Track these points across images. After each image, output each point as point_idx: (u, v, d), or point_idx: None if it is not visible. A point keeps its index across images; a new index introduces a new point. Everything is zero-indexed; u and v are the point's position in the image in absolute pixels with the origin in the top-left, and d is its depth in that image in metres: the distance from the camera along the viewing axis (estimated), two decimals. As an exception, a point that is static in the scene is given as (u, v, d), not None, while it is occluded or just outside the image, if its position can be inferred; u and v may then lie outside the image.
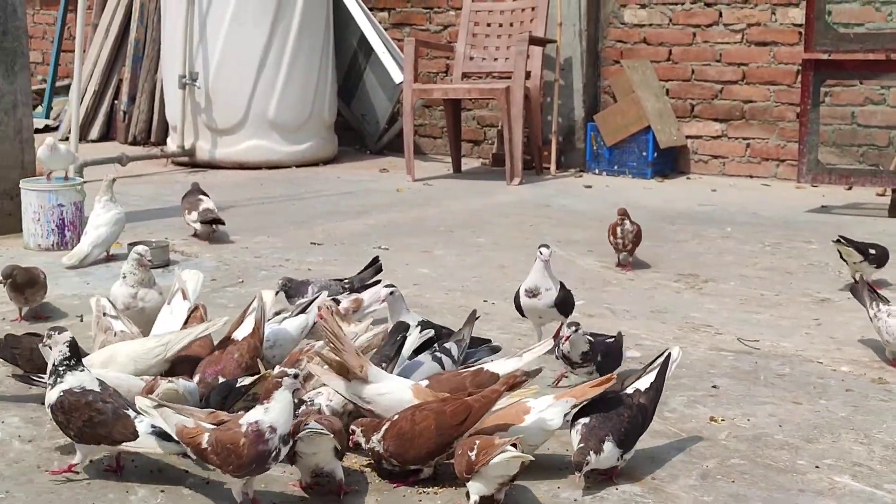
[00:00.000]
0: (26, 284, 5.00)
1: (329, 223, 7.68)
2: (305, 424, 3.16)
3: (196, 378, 3.76)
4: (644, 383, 3.57)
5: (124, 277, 4.66)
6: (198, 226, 6.92)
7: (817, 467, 3.58)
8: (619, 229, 6.23)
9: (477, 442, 3.22)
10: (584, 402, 3.48)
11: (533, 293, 4.47)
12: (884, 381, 4.41)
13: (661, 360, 3.66)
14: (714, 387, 4.33)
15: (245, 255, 6.61)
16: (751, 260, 6.62)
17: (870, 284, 4.91)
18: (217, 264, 6.30)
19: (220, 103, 10.41)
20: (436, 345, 4.06)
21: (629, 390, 3.54)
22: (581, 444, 3.30)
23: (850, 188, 8.96)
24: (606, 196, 8.97)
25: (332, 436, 3.17)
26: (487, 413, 3.38)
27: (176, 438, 3.19)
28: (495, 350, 4.27)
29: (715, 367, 4.57)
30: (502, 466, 3.13)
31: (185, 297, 4.34)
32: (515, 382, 3.43)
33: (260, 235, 7.19)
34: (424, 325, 4.22)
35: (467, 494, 3.22)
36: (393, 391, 3.55)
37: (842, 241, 5.68)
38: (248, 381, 3.60)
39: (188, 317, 4.21)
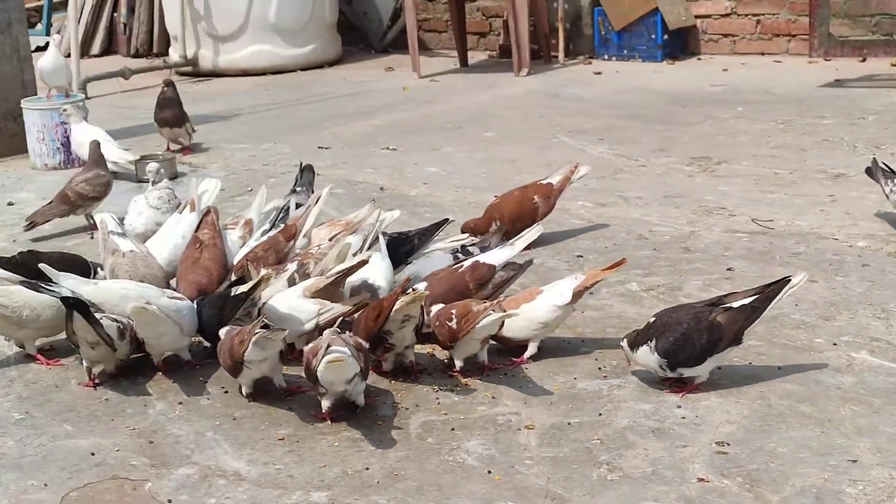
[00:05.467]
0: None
1: (336, 126, 7.61)
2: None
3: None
4: (740, 302, 3.30)
5: (157, 208, 4.65)
6: None
7: (835, 344, 3.56)
8: None
9: (452, 311, 3.35)
10: (594, 284, 3.58)
11: None
12: (901, 255, 4.38)
13: (777, 284, 3.32)
14: (729, 269, 4.29)
15: (253, 162, 6.56)
16: (764, 139, 6.53)
17: (884, 162, 4.82)
18: (225, 174, 6.25)
19: (220, 9, 10.25)
20: (460, 245, 4.09)
21: (733, 305, 3.28)
22: (627, 333, 3.36)
23: (863, 60, 8.79)
24: (617, 82, 8.83)
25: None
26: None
27: None
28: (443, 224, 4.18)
29: (730, 250, 4.53)
30: (488, 328, 3.32)
31: (192, 209, 4.31)
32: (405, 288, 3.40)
33: (267, 142, 7.13)
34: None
35: (451, 363, 3.42)
36: None
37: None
38: (243, 288, 3.56)
39: (200, 220, 4.19)
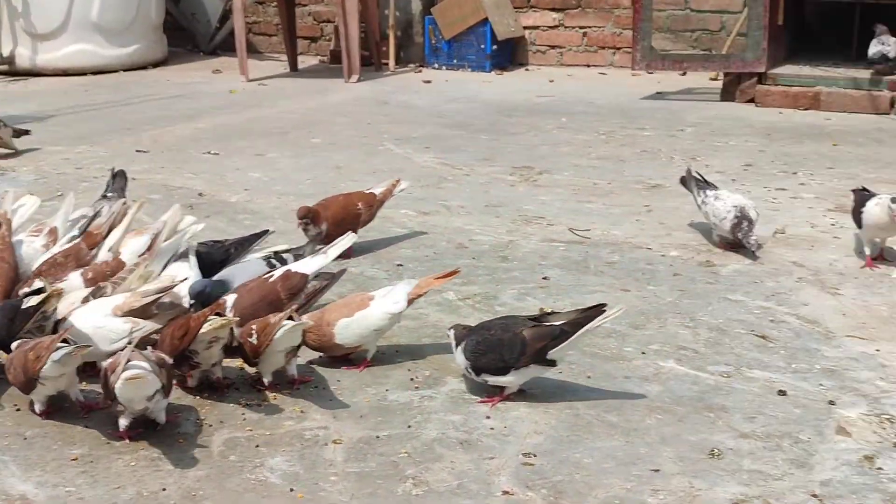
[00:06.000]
0: None
1: (157, 129, 7.38)
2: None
3: None
4: (551, 322, 3.26)
5: None
6: None
7: (643, 353, 3.61)
8: None
9: (253, 327, 3.26)
10: (426, 292, 3.57)
11: None
12: (711, 264, 4.48)
13: (590, 311, 3.27)
14: (545, 278, 4.32)
15: (66, 166, 6.29)
16: (585, 150, 6.63)
17: (697, 172, 4.94)
18: (35, 177, 5.98)
19: (39, 6, 9.83)
20: (274, 252, 3.96)
21: (544, 323, 3.26)
22: (456, 325, 3.40)
23: (684, 74, 9.05)
24: (446, 91, 8.86)
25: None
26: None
27: None
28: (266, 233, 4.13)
29: (546, 259, 4.56)
30: (287, 338, 3.22)
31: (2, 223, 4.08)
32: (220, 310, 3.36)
33: (82, 145, 6.85)
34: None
35: (260, 380, 3.32)
36: None
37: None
38: (33, 300, 3.35)
39: None
